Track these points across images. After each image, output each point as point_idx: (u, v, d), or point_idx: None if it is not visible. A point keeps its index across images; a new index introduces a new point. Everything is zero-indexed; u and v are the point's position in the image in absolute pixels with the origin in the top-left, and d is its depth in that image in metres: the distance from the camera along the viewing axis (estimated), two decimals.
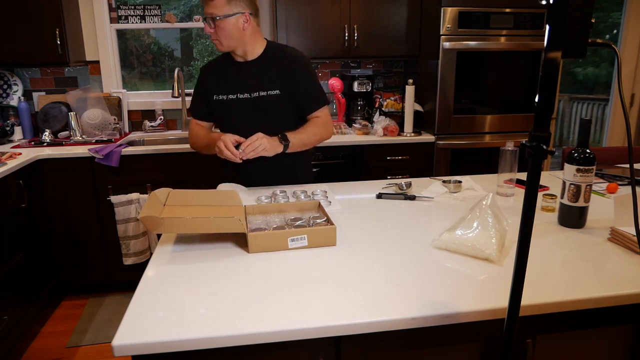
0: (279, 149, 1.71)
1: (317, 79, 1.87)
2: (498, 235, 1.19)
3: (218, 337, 0.87)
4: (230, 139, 1.66)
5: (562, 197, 1.39)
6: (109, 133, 3.00)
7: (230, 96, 1.82)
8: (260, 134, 1.67)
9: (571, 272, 1.10)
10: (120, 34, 3.29)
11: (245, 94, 1.81)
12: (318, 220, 1.32)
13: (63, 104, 3.06)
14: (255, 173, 1.86)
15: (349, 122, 3.30)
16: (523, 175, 1.86)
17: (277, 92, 1.79)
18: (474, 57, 2.89)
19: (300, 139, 1.77)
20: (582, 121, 1.36)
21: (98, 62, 3.19)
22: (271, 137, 1.70)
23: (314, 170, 2.84)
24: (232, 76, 1.82)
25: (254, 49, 1.80)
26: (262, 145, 1.64)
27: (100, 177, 2.67)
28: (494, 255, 1.14)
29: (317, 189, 1.72)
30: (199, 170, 2.75)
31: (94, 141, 2.86)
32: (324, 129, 1.85)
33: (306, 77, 1.82)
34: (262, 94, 1.80)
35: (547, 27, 0.71)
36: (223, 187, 1.75)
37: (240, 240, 1.31)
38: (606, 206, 1.58)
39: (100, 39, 3.15)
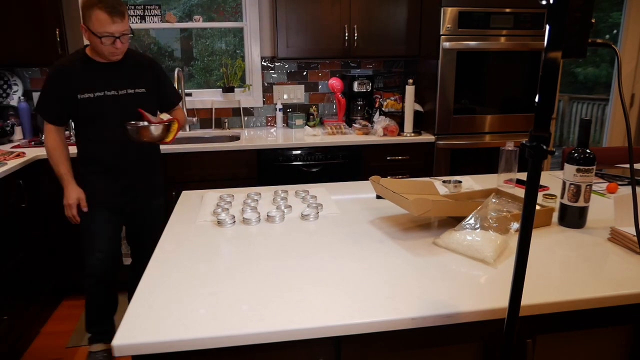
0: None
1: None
2: (500, 237, 1.19)
3: (218, 337, 0.87)
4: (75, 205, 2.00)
5: (562, 197, 1.39)
6: None
7: (98, 94, 1.92)
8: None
9: (571, 272, 1.10)
10: None
11: (113, 92, 1.94)
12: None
13: None
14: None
15: (349, 122, 3.30)
16: (523, 175, 1.86)
17: (143, 90, 2.00)
18: (474, 57, 2.89)
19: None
20: (582, 121, 1.36)
21: None
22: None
23: (315, 170, 2.85)
24: (97, 76, 1.93)
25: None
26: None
27: None
28: (489, 257, 1.14)
29: (312, 192, 1.72)
30: (199, 170, 2.75)
31: None
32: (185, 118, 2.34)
33: (167, 78, 2.15)
34: (129, 91, 1.97)
35: (547, 27, 0.71)
36: (210, 194, 1.75)
37: (239, 239, 1.31)
38: (606, 206, 1.58)
39: None
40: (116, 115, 1.94)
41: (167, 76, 2.15)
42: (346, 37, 3.03)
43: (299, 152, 2.84)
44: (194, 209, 1.60)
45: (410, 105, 2.94)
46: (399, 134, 2.98)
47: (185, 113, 2.38)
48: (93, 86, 1.92)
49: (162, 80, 2.10)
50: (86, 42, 1.95)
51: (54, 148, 1.99)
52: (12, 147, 2.75)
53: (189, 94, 3.34)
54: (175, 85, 3.01)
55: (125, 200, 2.07)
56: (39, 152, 2.61)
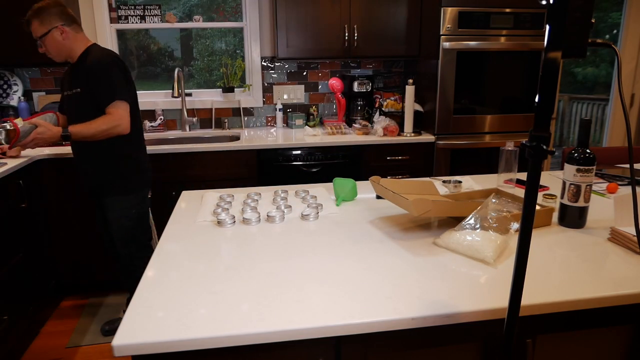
0: (56, 139, 2.02)
1: (112, 77, 2.00)
2: (500, 237, 1.19)
3: (218, 337, 0.87)
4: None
5: (562, 197, 1.39)
6: None
7: (64, 92, 2.17)
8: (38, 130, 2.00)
9: (571, 272, 1.10)
10: (120, 34, 3.29)
11: (67, 92, 2.12)
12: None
13: None
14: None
15: (349, 122, 3.30)
16: (523, 175, 1.86)
17: (78, 90, 2.05)
18: (474, 57, 2.89)
19: (78, 130, 1.98)
20: (582, 121, 1.36)
21: None
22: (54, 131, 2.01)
23: (315, 170, 2.85)
24: (66, 75, 2.15)
25: (76, 53, 2.07)
26: (34, 142, 1.99)
27: None
28: (489, 257, 1.14)
29: (312, 192, 1.72)
30: (199, 170, 2.75)
31: None
32: (103, 122, 1.99)
33: (100, 75, 1.98)
34: (74, 91, 2.07)
35: (547, 27, 0.71)
36: (210, 194, 1.75)
37: (239, 239, 1.31)
38: (606, 206, 1.58)
39: (100, 39, 3.15)
40: (67, 114, 2.16)
41: (103, 74, 1.97)
42: (346, 37, 3.03)
43: (299, 152, 2.84)
44: (194, 209, 1.60)
45: (410, 105, 2.94)
46: (399, 134, 2.98)
47: (113, 119, 1.98)
48: (63, 85, 2.16)
49: (91, 78, 1.98)
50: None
51: None
52: None
53: (189, 94, 3.34)
54: (175, 85, 3.01)
55: (90, 192, 2.28)
56: (39, 152, 2.61)
